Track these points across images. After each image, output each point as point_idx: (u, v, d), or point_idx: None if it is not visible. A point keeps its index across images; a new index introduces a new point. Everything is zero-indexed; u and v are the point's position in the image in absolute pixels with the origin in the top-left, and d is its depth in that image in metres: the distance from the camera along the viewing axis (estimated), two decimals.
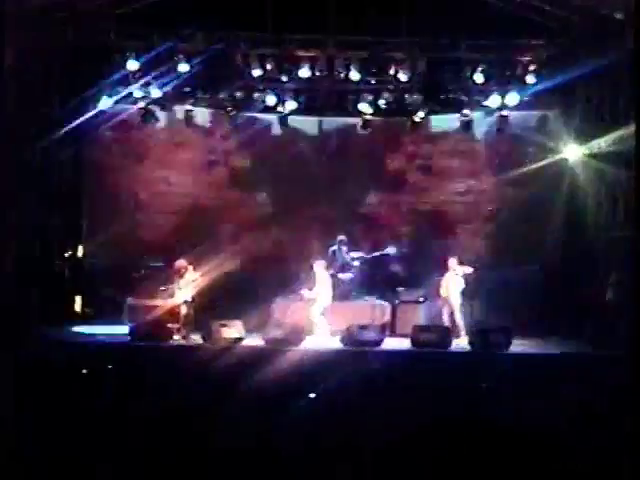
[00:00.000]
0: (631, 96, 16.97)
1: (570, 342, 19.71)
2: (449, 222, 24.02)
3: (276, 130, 23.58)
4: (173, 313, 19.52)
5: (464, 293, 20.01)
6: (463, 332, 19.48)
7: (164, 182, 23.52)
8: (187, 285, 19.44)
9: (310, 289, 19.93)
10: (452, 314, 19.87)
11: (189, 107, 22.66)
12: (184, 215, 23.45)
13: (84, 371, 14.23)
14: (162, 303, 19.98)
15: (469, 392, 12.92)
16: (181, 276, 19.48)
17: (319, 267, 20.11)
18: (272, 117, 23.29)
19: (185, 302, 19.39)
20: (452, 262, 20.06)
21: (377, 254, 22.69)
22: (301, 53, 20.95)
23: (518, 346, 18.69)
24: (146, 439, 9.94)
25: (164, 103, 22.27)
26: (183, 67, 20.89)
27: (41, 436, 9.80)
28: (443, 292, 20.03)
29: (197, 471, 8.97)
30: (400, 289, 21.40)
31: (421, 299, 20.99)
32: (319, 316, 19.75)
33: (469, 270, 19.99)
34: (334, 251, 21.82)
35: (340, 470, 9.06)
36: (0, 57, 14.56)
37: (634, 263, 14.91)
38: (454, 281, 19.99)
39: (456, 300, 19.88)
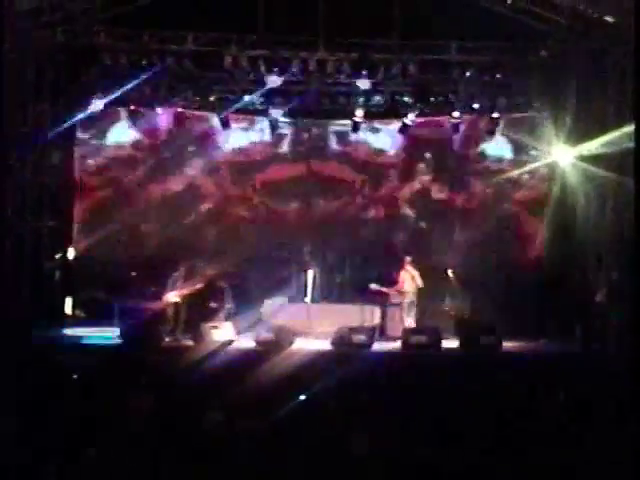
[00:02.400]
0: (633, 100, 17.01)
1: (560, 343, 19.79)
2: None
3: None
4: (164, 315, 19.53)
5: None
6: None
7: (156, 185, 23.53)
8: (179, 287, 19.49)
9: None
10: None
11: (180, 109, 22.67)
12: (175, 218, 23.49)
13: (74, 376, 14.20)
14: (153, 305, 20.00)
15: (462, 393, 12.92)
16: (172, 278, 19.53)
17: None
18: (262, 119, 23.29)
19: (176, 304, 19.41)
20: (407, 260, 20.57)
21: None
22: (292, 55, 20.93)
23: (508, 347, 18.75)
24: (137, 440, 9.93)
25: (155, 105, 22.32)
26: (173, 69, 20.98)
27: (33, 439, 9.80)
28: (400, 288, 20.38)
29: (186, 472, 8.98)
30: (391, 291, 21.38)
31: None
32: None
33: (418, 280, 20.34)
34: (323, 253, 21.90)
35: (328, 473, 9.07)
36: None
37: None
38: (407, 279, 20.32)
39: (408, 299, 20.18)
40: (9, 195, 18.99)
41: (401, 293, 20.56)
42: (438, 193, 23.98)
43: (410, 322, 20.28)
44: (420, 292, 20.66)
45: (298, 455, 9.49)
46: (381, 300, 20.92)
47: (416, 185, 24.05)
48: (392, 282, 20.79)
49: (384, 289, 20.69)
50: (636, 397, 11.97)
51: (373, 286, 20.75)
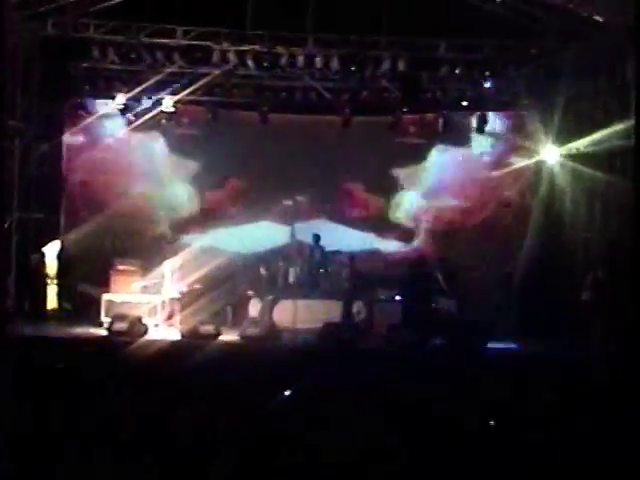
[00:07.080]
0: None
1: (546, 342, 19.82)
2: None
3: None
4: (150, 309, 19.58)
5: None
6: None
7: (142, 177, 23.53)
8: (167, 281, 19.58)
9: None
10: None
11: (169, 103, 22.60)
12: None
13: (60, 366, 14.20)
14: (139, 299, 20.04)
15: (447, 390, 12.97)
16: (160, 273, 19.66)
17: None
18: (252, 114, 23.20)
19: (162, 298, 19.47)
20: None
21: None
22: (281, 51, 20.88)
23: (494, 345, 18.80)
24: (123, 435, 9.94)
25: (143, 98, 22.29)
26: (162, 63, 20.95)
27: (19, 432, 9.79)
28: None
29: (170, 467, 8.98)
30: (378, 287, 21.40)
31: (397, 297, 21.01)
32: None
33: None
34: (311, 247, 21.91)
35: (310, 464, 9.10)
36: None
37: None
38: None
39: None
40: None
41: None
42: None
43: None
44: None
45: (282, 451, 9.51)
46: (367, 296, 20.93)
47: None
48: None
49: None
50: (620, 394, 12.02)
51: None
